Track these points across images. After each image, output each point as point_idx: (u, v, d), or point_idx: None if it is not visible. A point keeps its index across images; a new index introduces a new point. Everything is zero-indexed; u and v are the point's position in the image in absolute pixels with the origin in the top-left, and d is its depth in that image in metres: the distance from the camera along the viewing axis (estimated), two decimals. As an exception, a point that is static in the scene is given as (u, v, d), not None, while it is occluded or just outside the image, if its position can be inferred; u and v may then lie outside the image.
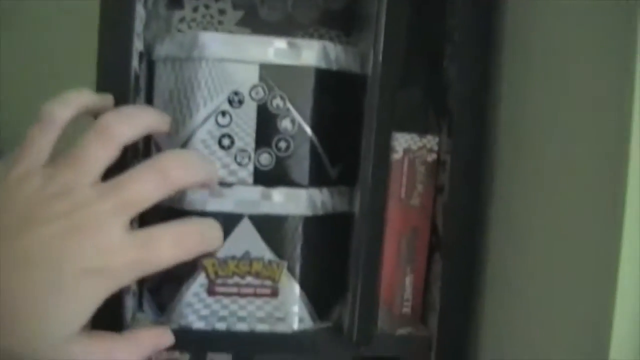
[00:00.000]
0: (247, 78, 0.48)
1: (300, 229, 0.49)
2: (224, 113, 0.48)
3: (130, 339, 0.44)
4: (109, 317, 0.43)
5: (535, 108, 0.44)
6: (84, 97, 0.44)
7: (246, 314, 0.49)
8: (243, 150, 0.48)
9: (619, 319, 0.33)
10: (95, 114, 0.45)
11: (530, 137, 0.45)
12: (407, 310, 0.52)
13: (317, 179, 0.49)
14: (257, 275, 0.49)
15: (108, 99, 0.46)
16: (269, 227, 0.49)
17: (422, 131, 0.51)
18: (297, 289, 0.50)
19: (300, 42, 0.48)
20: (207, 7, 0.54)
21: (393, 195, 0.50)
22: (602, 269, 0.34)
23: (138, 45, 0.48)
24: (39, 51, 0.72)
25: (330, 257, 0.51)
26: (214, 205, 0.48)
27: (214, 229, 0.45)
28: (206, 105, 0.48)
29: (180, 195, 0.47)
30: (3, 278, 0.39)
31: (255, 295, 0.49)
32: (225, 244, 0.48)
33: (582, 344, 0.36)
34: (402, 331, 0.51)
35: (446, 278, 0.50)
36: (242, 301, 0.49)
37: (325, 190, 0.50)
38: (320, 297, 0.51)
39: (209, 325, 0.49)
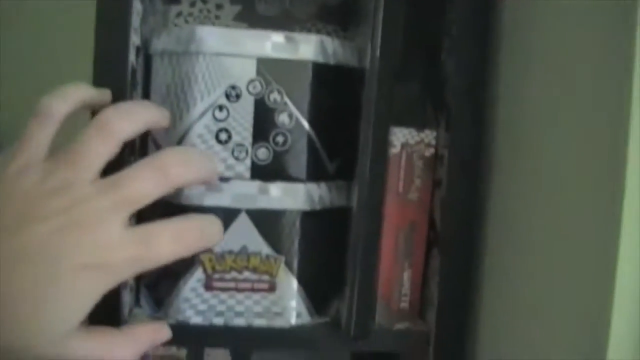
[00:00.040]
0: (244, 72, 0.47)
1: (297, 223, 0.49)
2: (221, 107, 0.47)
3: (128, 334, 0.44)
4: (107, 313, 0.43)
5: (533, 103, 0.44)
6: (81, 91, 0.44)
7: (244, 309, 0.49)
8: (240, 145, 0.48)
9: (617, 317, 0.33)
10: (92, 108, 0.45)
11: (528, 131, 0.45)
12: (405, 305, 0.52)
13: (315, 173, 0.49)
14: (254, 270, 0.49)
15: (106, 93, 0.46)
16: (267, 221, 0.49)
17: (419, 125, 0.51)
18: (294, 283, 0.50)
19: (298, 36, 0.48)
20: (204, 1, 0.54)
21: (391, 190, 0.50)
22: (600, 264, 0.34)
23: (135, 39, 0.48)
24: (38, 46, 0.72)
25: (328, 252, 0.51)
26: (211, 200, 0.48)
27: (214, 225, 0.45)
28: (203, 99, 0.47)
29: (178, 190, 0.47)
30: (2, 274, 0.39)
31: (253, 290, 0.49)
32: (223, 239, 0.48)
33: (581, 336, 0.36)
34: (399, 326, 0.51)
35: (444, 273, 0.50)
36: (240, 296, 0.49)
37: (322, 185, 0.50)
38: (317, 292, 0.51)
39: (206, 320, 0.49)
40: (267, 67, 0.48)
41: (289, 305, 0.50)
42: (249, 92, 0.47)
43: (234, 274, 0.49)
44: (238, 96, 0.47)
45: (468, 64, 0.49)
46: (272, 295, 0.49)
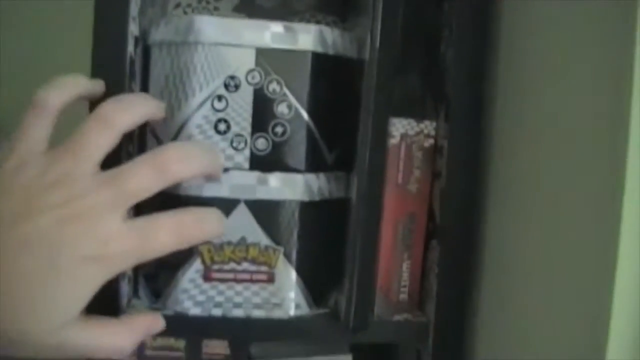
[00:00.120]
0: (243, 62, 0.47)
1: (296, 214, 0.49)
2: (220, 98, 0.47)
3: (125, 324, 0.44)
4: (105, 303, 0.43)
5: (533, 94, 0.44)
6: (77, 82, 0.44)
7: (242, 300, 0.49)
8: (239, 135, 0.48)
9: (617, 316, 0.33)
10: (89, 99, 0.45)
11: (528, 122, 0.45)
12: (404, 296, 0.52)
13: (314, 164, 0.49)
14: (253, 261, 0.49)
15: (100, 84, 0.46)
16: (266, 212, 0.48)
17: (419, 116, 0.51)
18: (293, 274, 0.49)
19: (297, 26, 0.48)
20: (203, -7, 0.54)
21: (390, 181, 0.50)
22: (600, 261, 0.34)
23: (133, 29, 0.48)
24: (38, 46, 0.72)
25: (326, 243, 0.51)
26: (210, 191, 0.47)
27: (214, 218, 0.44)
28: (202, 89, 0.47)
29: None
30: (2, 265, 0.39)
31: (252, 281, 0.49)
32: (221, 230, 0.47)
33: (581, 331, 0.36)
34: (398, 317, 0.51)
35: (443, 264, 0.50)
36: (238, 287, 0.49)
37: (322, 176, 0.50)
38: (316, 283, 0.51)
39: (204, 311, 0.49)
40: (266, 57, 0.47)
41: (288, 297, 0.50)
42: (248, 83, 0.47)
43: (232, 265, 0.48)
44: (237, 86, 0.47)
45: (467, 55, 0.49)
46: (271, 287, 0.49)
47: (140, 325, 0.45)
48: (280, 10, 0.54)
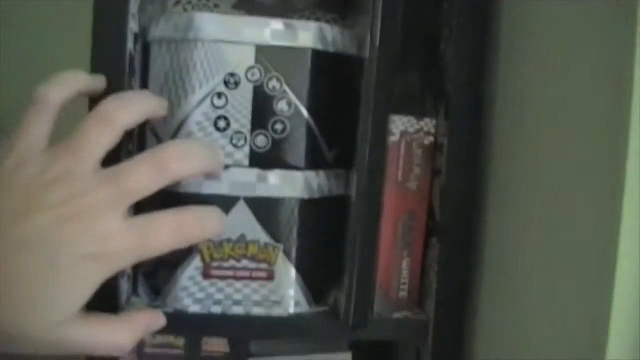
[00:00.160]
0: (243, 59, 0.47)
1: (296, 212, 0.49)
2: (219, 95, 0.47)
3: (125, 321, 0.44)
4: (104, 301, 0.42)
5: (533, 92, 0.44)
6: (78, 78, 0.44)
7: (242, 298, 0.49)
8: (239, 132, 0.48)
9: (617, 315, 0.33)
10: (89, 95, 0.45)
11: (528, 120, 0.45)
12: (403, 294, 0.52)
13: (314, 161, 0.49)
14: (253, 258, 0.49)
15: (101, 79, 0.46)
16: (265, 210, 0.48)
17: (419, 114, 0.51)
18: (293, 272, 0.49)
19: (297, 23, 0.48)
20: (203, -10, 0.53)
21: (390, 179, 0.50)
22: (600, 256, 0.34)
23: (133, 26, 0.48)
24: (38, 46, 0.72)
25: (326, 241, 0.51)
26: (209, 188, 0.47)
27: (214, 217, 0.44)
28: (202, 87, 0.47)
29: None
30: (2, 264, 0.39)
31: (251, 278, 0.49)
32: (221, 227, 0.47)
33: (581, 331, 0.36)
34: (398, 315, 0.51)
35: (443, 262, 0.50)
36: (238, 285, 0.49)
37: (321, 173, 0.50)
38: (316, 281, 0.51)
39: (204, 309, 0.49)
40: (266, 54, 0.47)
41: (288, 294, 0.50)
42: (248, 80, 0.47)
43: (232, 263, 0.48)
44: (237, 84, 0.47)
45: (468, 53, 0.49)
46: (271, 284, 0.49)
47: (141, 322, 0.45)
48: (280, 7, 0.54)
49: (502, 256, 0.48)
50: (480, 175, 0.50)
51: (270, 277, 0.49)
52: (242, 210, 0.48)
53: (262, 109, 0.48)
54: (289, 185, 0.48)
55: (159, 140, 0.49)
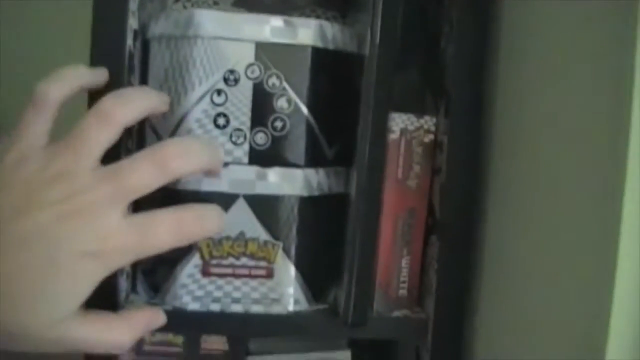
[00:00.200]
0: (243, 56, 0.47)
1: (296, 209, 0.49)
2: (219, 92, 0.47)
3: (125, 318, 0.44)
4: (103, 298, 0.42)
5: (533, 89, 0.44)
6: (78, 73, 0.44)
7: (241, 295, 0.49)
8: (238, 130, 0.47)
9: (617, 315, 0.33)
10: (90, 90, 0.45)
11: (528, 118, 0.45)
12: (403, 292, 0.52)
13: (313, 159, 0.49)
14: (252, 256, 0.49)
15: (102, 73, 0.45)
16: (265, 207, 0.48)
17: (419, 112, 0.51)
18: (292, 270, 0.49)
19: (297, 20, 0.48)
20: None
21: (390, 176, 0.50)
22: (600, 256, 0.34)
23: (133, 23, 0.48)
24: (37, 42, 0.72)
25: (326, 238, 0.51)
26: (208, 185, 0.47)
27: (214, 215, 0.44)
28: (201, 84, 0.47)
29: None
30: (2, 260, 0.39)
31: (250, 276, 0.49)
32: (220, 224, 0.47)
33: (580, 331, 0.36)
34: (398, 313, 0.51)
35: (443, 260, 0.50)
36: (237, 282, 0.49)
37: (321, 171, 0.49)
38: (315, 279, 0.51)
39: (203, 306, 0.49)
40: (265, 51, 0.47)
41: (287, 292, 0.49)
42: (248, 77, 0.47)
43: (231, 260, 0.48)
44: (236, 80, 0.47)
45: (467, 50, 0.49)
46: (270, 282, 0.49)
47: (140, 320, 0.45)
48: (280, 4, 0.54)
49: (502, 254, 0.48)
50: (480, 173, 0.50)
51: (270, 274, 0.49)
52: (241, 208, 0.48)
53: (262, 106, 0.47)
54: (288, 182, 0.48)
55: (158, 137, 0.48)
